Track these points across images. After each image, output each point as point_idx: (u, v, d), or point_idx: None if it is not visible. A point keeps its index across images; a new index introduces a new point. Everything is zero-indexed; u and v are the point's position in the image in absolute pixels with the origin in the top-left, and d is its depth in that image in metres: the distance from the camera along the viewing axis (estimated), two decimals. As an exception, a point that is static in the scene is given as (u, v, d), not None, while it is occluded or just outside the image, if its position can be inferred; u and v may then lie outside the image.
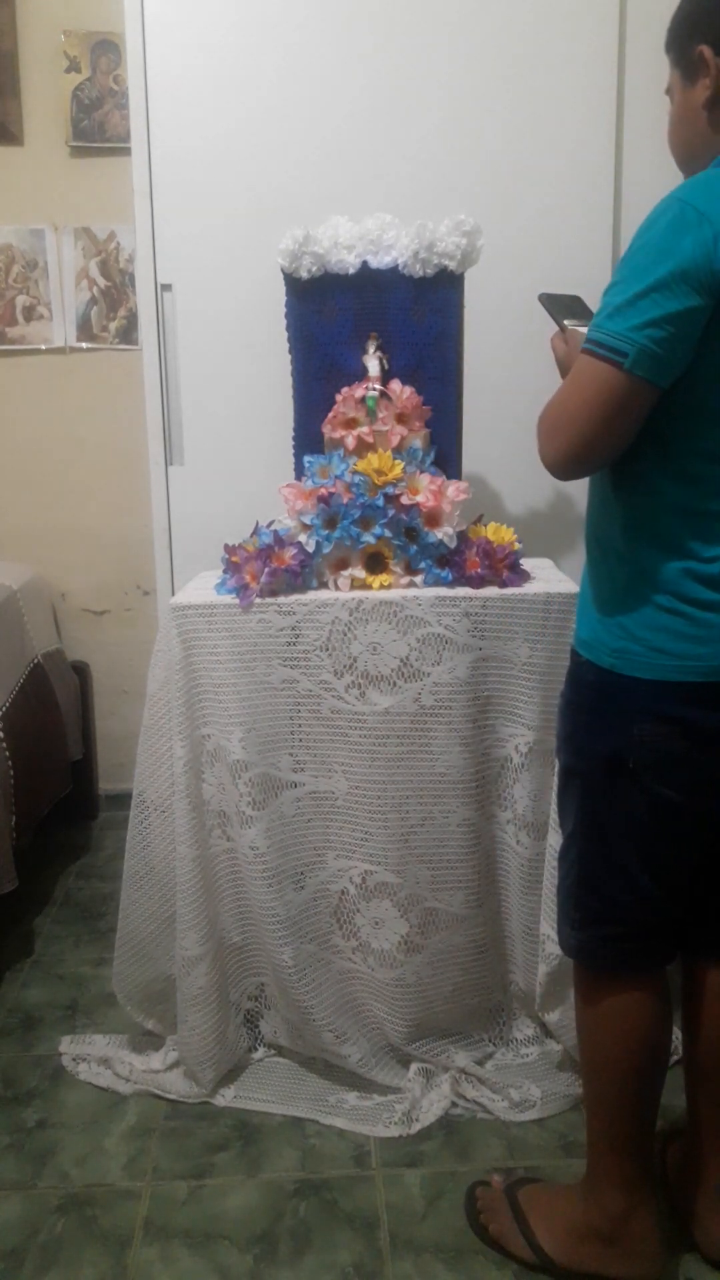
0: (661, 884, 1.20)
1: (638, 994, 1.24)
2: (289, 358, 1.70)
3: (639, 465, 1.13)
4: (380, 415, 1.59)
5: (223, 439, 2.03)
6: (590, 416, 1.08)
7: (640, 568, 1.15)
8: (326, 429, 1.63)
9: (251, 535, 1.62)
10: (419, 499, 1.57)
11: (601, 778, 1.20)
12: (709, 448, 1.09)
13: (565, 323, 1.30)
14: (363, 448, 1.59)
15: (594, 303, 1.41)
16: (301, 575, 1.57)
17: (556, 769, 1.32)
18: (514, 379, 1.91)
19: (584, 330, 1.29)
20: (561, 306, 1.34)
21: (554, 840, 1.55)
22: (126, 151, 2.03)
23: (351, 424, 1.60)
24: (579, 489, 1.88)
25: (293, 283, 1.65)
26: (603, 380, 1.06)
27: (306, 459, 1.63)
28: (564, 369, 1.27)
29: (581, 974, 1.30)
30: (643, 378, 1.05)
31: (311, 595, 1.56)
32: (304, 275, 1.63)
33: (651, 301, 1.03)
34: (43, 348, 2.57)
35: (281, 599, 1.54)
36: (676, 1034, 1.36)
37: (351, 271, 1.62)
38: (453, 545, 1.59)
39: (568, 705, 1.27)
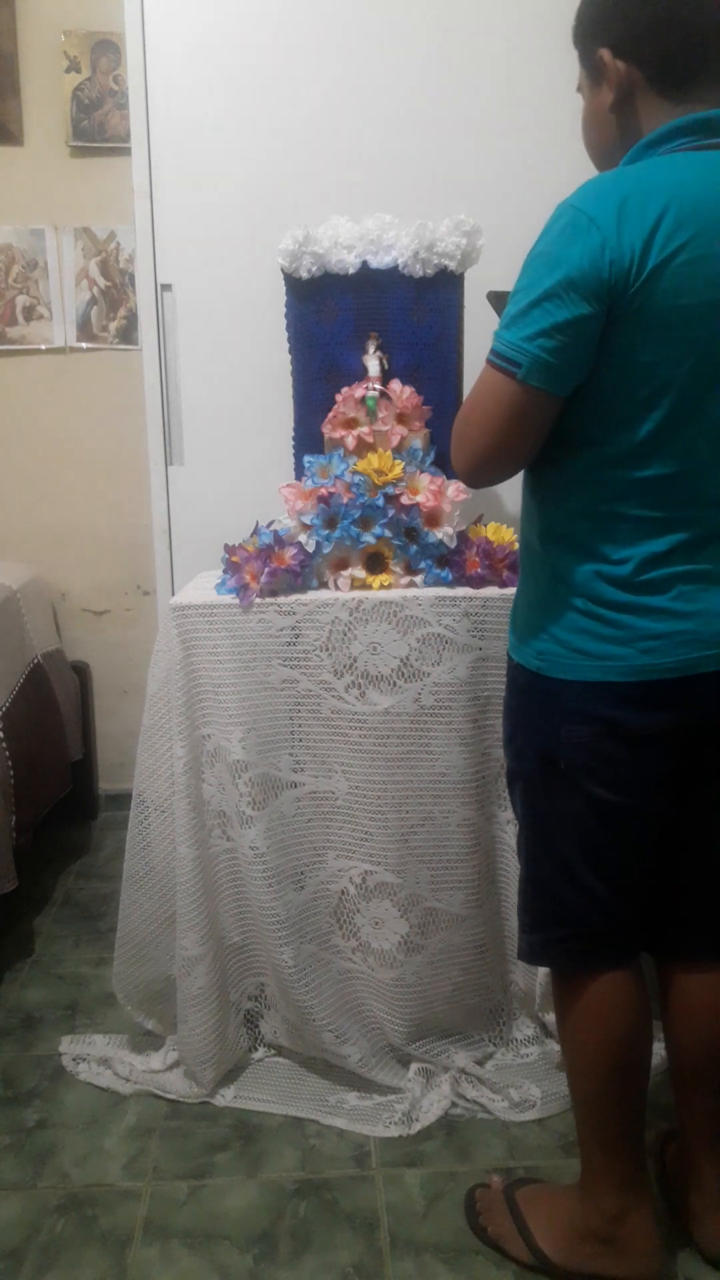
0: (609, 885, 1.20)
1: (608, 993, 1.23)
2: (289, 358, 1.70)
3: (548, 470, 1.14)
4: (380, 415, 1.59)
5: (223, 439, 2.02)
6: (489, 426, 1.09)
7: (557, 571, 1.15)
8: (326, 429, 1.63)
9: (251, 535, 1.62)
10: (419, 499, 1.57)
11: (539, 779, 1.21)
12: (612, 452, 1.09)
13: None
14: (363, 448, 1.59)
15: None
16: (301, 575, 1.57)
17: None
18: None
19: None
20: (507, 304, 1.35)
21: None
22: (126, 151, 2.03)
23: (351, 424, 1.60)
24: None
25: (293, 283, 1.65)
26: (500, 390, 1.07)
27: (306, 459, 1.63)
28: None
29: (554, 977, 1.30)
30: (537, 387, 1.05)
31: (311, 595, 1.56)
32: (304, 275, 1.63)
33: (543, 311, 1.03)
34: (43, 348, 2.57)
35: (281, 599, 1.54)
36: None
37: (351, 271, 1.62)
38: (453, 545, 1.59)
39: (506, 707, 1.28)
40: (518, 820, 1.29)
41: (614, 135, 1.14)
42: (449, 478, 1.64)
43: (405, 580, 1.58)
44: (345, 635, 1.54)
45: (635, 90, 1.10)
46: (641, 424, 1.07)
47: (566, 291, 1.02)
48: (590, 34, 1.12)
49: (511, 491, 2.04)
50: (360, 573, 1.58)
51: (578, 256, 1.01)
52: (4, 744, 2.04)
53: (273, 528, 1.62)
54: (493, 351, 1.07)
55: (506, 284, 1.83)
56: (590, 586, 1.13)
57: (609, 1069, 1.25)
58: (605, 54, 1.10)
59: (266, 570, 1.54)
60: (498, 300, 1.35)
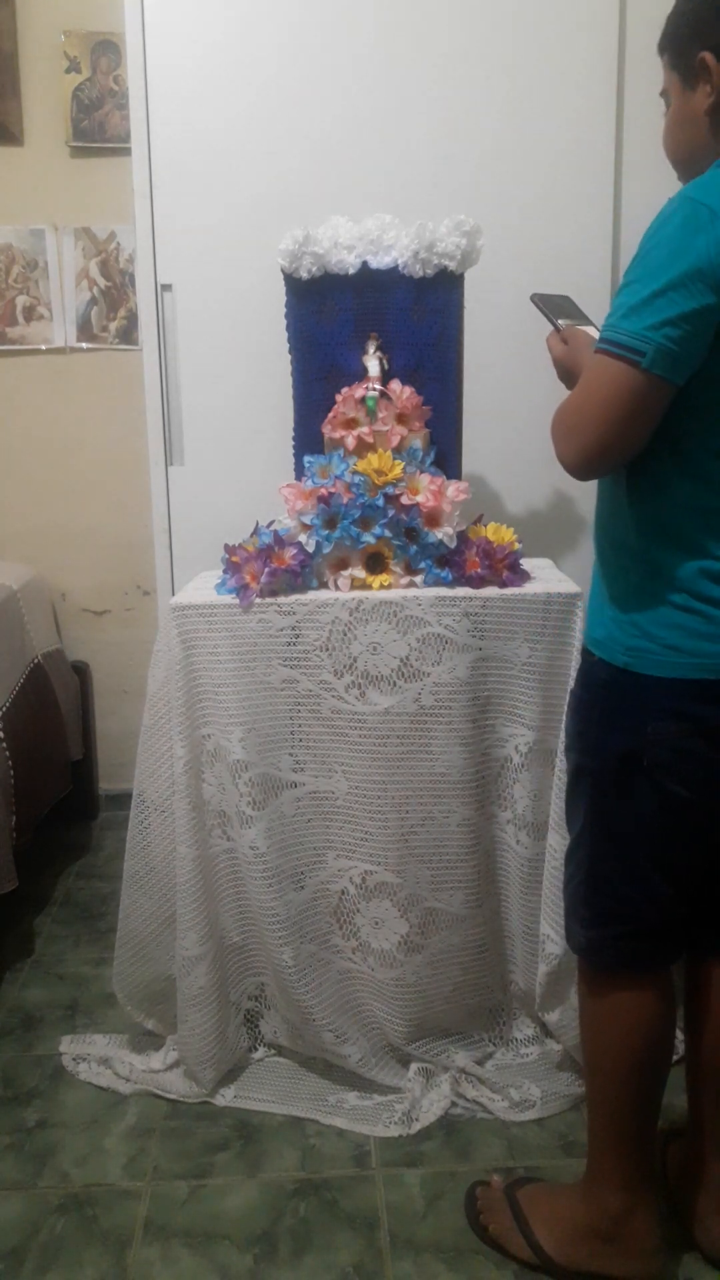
0: (672, 883, 1.21)
1: (642, 992, 1.24)
2: (289, 358, 1.70)
3: (652, 464, 1.14)
4: (380, 415, 1.59)
5: (223, 439, 2.03)
6: (608, 416, 1.08)
7: (654, 566, 1.15)
8: (326, 429, 1.63)
9: (251, 535, 1.62)
10: (419, 499, 1.57)
11: (614, 776, 1.20)
12: (716, 445, 1.10)
13: (559, 322, 1.30)
14: (363, 448, 1.59)
15: (588, 303, 1.42)
16: (301, 575, 1.57)
17: (565, 768, 1.32)
18: (514, 379, 1.91)
19: (582, 329, 1.29)
20: (554, 307, 1.35)
21: (554, 840, 1.55)
22: (126, 151, 2.03)
23: (351, 424, 1.60)
24: (579, 488, 1.89)
25: (293, 283, 1.65)
26: (621, 379, 1.06)
27: (306, 459, 1.63)
28: (562, 369, 1.27)
29: (586, 972, 1.30)
30: (660, 376, 1.05)
31: (311, 595, 1.56)
32: (304, 275, 1.63)
33: (668, 300, 1.03)
34: (43, 348, 2.57)
35: (281, 599, 1.54)
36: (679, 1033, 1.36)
37: (351, 272, 1.62)
38: (453, 545, 1.59)
39: (580, 704, 1.27)
40: (577, 817, 1.28)
41: (703, 139, 1.14)
42: (449, 478, 1.64)
43: (405, 580, 1.59)
44: (345, 635, 1.54)
45: None
46: None
47: (692, 281, 1.02)
48: (691, 36, 1.13)
49: (512, 491, 2.05)
50: (360, 573, 1.58)
51: (704, 247, 1.01)
52: (4, 744, 2.04)
53: (273, 528, 1.62)
54: (607, 341, 1.07)
55: (506, 284, 1.84)
56: (693, 582, 1.12)
57: (631, 1067, 1.25)
58: (708, 56, 1.10)
59: (266, 570, 1.54)
60: (545, 302, 1.35)
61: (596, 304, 1.41)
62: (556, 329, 1.30)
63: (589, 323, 1.33)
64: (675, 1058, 1.37)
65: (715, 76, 1.11)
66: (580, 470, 1.15)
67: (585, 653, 1.26)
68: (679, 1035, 1.37)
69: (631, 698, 1.17)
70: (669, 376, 1.05)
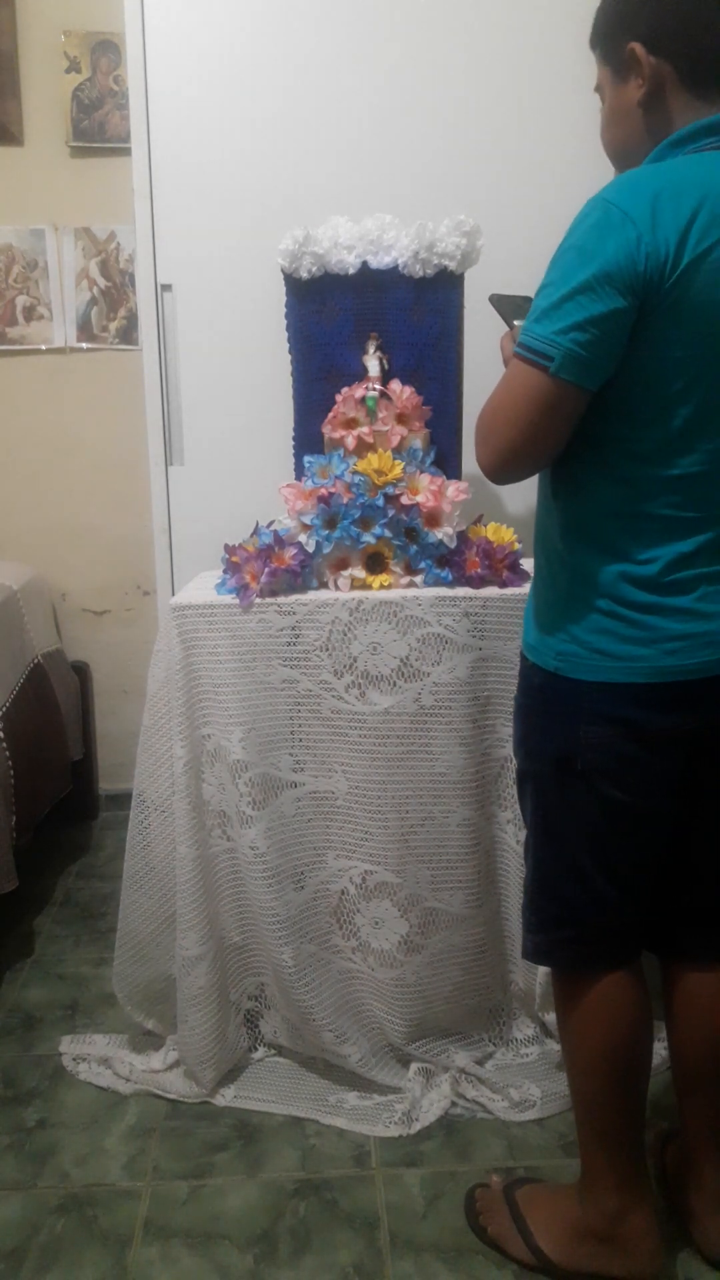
0: (617, 886, 1.20)
1: (610, 992, 1.24)
2: (289, 358, 1.70)
3: (574, 468, 1.14)
4: (380, 415, 1.59)
5: (223, 439, 2.02)
6: (519, 420, 1.08)
7: (579, 571, 1.15)
8: (326, 429, 1.63)
9: (251, 535, 1.62)
10: (419, 499, 1.57)
11: (552, 780, 1.20)
12: (640, 449, 1.09)
13: (514, 323, 1.30)
14: (363, 448, 1.59)
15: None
16: (301, 575, 1.57)
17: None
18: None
19: None
20: (512, 307, 1.34)
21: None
22: (126, 151, 2.03)
23: (351, 424, 1.60)
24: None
25: (293, 283, 1.65)
26: (530, 384, 1.06)
27: (306, 459, 1.63)
28: None
29: (555, 977, 1.30)
30: (569, 381, 1.05)
31: (311, 595, 1.56)
32: (304, 275, 1.63)
33: (576, 304, 1.02)
34: (43, 348, 2.57)
35: (281, 599, 1.54)
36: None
37: (351, 272, 1.62)
38: (453, 545, 1.59)
39: (519, 708, 1.28)
40: (526, 821, 1.29)
41: (639, 132, 1.13)
42: (449, 478, 1.64)
43: (405, 580, 1.59)
44: (345, 635, 1.54)
45: (665, 86, 1.10)
46: (671, 420, 1.07)
47: (601, 285, 1.01)
48: (619, 28, 1.11)
49: (511, 491, 2.05)
50: (360, 573, 1.58)
51: (613, 250, 1.01)
52: (4, 744, 2.04)
53: (273, 528, 1.62)
54: (521, 345, 1.07)
55: (506, 285, 1.84)
56: (614, 587, 1.12)
57: (610, 1068, 1.25)
58: (637, 48, 1.09)
59: (266, 570, 1.54)
60: (501, 303, 1.35)
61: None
62: (510, 329, 1.30)
63: None
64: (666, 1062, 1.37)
65: (645, 67, 1.09)
66: (493, 473, 1.15)
67: (521, 657, 1.26)
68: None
69: (564, 702, 1.17)
70: (579, 381, 1.05)
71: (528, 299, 1.37)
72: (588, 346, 1.03)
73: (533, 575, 1.25)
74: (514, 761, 1.57)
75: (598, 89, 1.19)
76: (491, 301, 1.36)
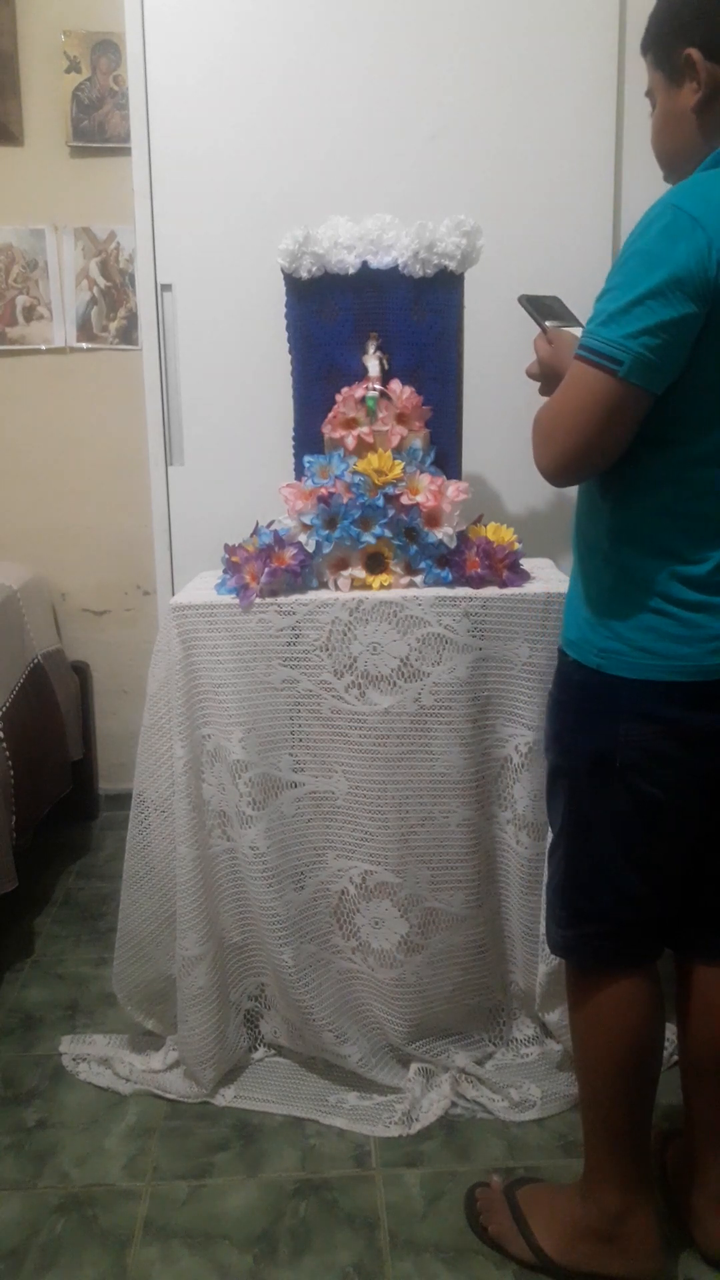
0: (648, 883, 1.21)
1: (627, 991, 1.24)
2: (289, 358, 1.70)
3: (627, 468, 1.14)
4: (380, 415, 1.59)
5: (223, 439, 2.02)
6: (585, 423, 1.08)
7: (627, 569, 1.15)
8: (326, 429, 1.63)
9: (251, 535, 1.62)
10: (419, 499, 1.57)
11: (588, 776, 1.20)
12: (698, 452, 1.10)
13: (547, 324, 1.30)
14: (363, 448, 1.59)
15: (587, 303, 1.42)
16: (301, 575, 1.57)
17: (546, 768, 1.32)
18: (514, 379, 1.89)
19: (567, 330, 1.29)
20: (543, 308, 1.34)
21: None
22: (126, 151, 2.03)
23: (351, 424, 1.60)
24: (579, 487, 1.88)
25: (293, 283, 1.65)
26: (597, 387, 1.06)
27: (306, 459, 1.63)
28: (547, 370, 1.26)
29: (571, 972, 1.30)
30: (637, 385, 1.05)
31: (311, 595, 1.56)
32: (304, 275, 1.63)
33: (646, 309, 1.03)
34: (43, 348, 2.57)
35: (281, 599, 1.54)
36: (674, 1032, 1.36)
37: (351, 271, 1.62)
38: (453, 545, 1.59)
39: (555, 704, 1.27)
40: (555, 817, 1.28)
41: (692, 137, 1.14)
42: (449, 478, 1.64)
43: (405, 580, 1.58)
44: (345, 635, 1.54)
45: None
46: None
47: (672, 290, 1.02)
48: (675, 34, 1.13)
49: (512, 492, 2.05)
50: (360, 573, 1.58)
51: (683, 255, 1.01)
52: (4, 744, 2.04)
53: (273, 528, 1.62)
54: (586, 349, 1.07)
55: (502, 284, 1.84)
56: (664, 585, 1.12)
57: (621, 1066, 1.25)
58: (694, 54, 1.10)
59: (266, 570, 1.54)
60: (532, 304, 1.35)
61: (580, 306, 1.40)
62: (544, 330, 1.30)
63: (578, 324, 1.32)
64: (674, 1060, 1.37)
65: (701, 72, 1.10)
66: (556, 477, 1.15)
67: (560, 653, 1.26)
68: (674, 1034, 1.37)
69: (604, 699, 1.17)
70: (646, 386, 1.05)
71: (557, 299, 1.37)
72: (657, 351, 1.03)
73: (573, 573, 1.25)
74: (516, 760, 1.58)
75: (648, 94, 1.19)
76: (521, 302, 1.36)
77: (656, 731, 1.15)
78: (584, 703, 1.21)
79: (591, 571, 1.20)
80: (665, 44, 1.14)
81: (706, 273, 1.01)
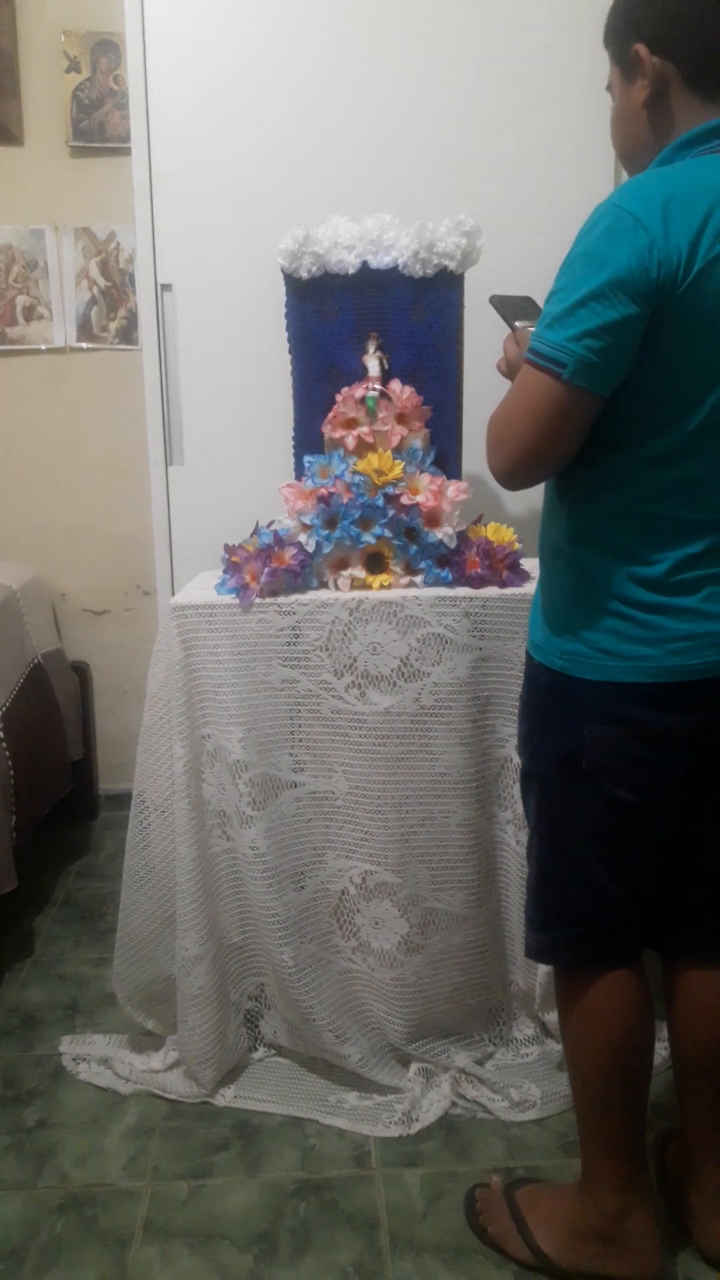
0: (622, 884, 1.21)
1: (612, 992, 1.24)
2: (289, 358, 1.70)
3: (582, 470, 1.14)
4: (380, 415, 1.59)
5: (223, 439, 2.03)
6: (533, 426, 1.08)
7: (586, 571, 1.15)
8: (326, 429, 1.63)
9: (251, 535, 1.62)
10: (419, 499, 1.57)
11: (557, 779, 1.21)
12: (651, 453, 1.09)
13: (516, 324, 1.30)
14: (363, 448, 1.59)
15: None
16: (301, 575, 1.57)
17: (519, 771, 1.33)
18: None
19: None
20: (513, 308, 1.34)
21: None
22: (126, 151, 2.03)
23: (351, 424, 1.60)
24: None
25: (293, 283, 1.65)
26: (543, 391, 1.06)
27: (306, 459, 1.63)
28: (515, 370, 1.26)
29: (558, 976, 1.31)
30: (582, 387, 1.05)
31: (311, 595, 1.56)
32: (304, 275, 1.63)
33: (589, 311, 1.02)
34: (43, 348, 2.57)
35: (281, 599, 1.54)
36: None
37: (351, 271, 1.62)
38: (453, 545, 1.59)
39: (524, 707, 1.28)
40: (529, 819, 1.29)
41: (645, 134, 1.14)
42: (449, 478, 1.64)
43: (405, 580, 1.58)
44: (345, 635, 1.54)
45: (670, 87, 1.10)
46: (682, 424, 1.07)
47: (614, 292, 1.01)
48: (625, 29, 1.12)
49: (512, 492, 2.04)
50: (360, 573, 1.58)
51: (625, 256, 1.01)
52: (4, 744, 2.04)
53: (273, 528, 1.62)
54: (533, 352, 1.07)
55: (505, 284, 1.84)
56: (622, 587, 1.12)
57: (610, 1068, 1.25)
58: (641, 49, 1.09)
59: (266, 570, 1.54)
60: (503, 304, 1.34)
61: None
62: (513, 330, 1.30)
63: None
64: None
65: (648, 69, 1.10)
66: (507, 479, 1.15)
67: (528, 656, 1.26)
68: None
69: (569, 701, 1.17)
70: (592, 388, 1.05)
71: (528, 299, 1.37)
72: (600, 353, 1.03)
73: (538, 576, 1.25)
74: (516, 760, 1.58)
75: (609, 88, 1.19)
76: (492, 303, 1.36)
77: (623, 733, 1.14)
78: (550, 705, 1.21)
79: (553, 574, 1.21)
80: (619, 39, 1.13)
81: (648, 273, 1.00)
